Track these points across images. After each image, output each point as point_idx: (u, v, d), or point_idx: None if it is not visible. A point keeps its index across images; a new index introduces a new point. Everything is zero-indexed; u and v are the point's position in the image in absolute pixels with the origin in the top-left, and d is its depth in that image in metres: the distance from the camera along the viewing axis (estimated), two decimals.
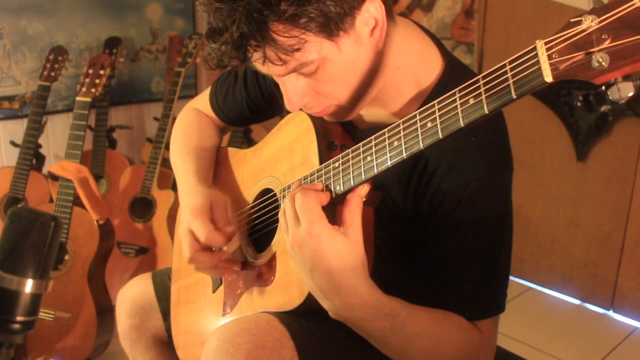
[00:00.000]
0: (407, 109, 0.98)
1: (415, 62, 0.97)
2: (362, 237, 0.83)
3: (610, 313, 2.58)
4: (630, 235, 2.47)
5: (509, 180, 0.98)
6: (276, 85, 1.20)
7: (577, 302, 2.66)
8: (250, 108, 1.29)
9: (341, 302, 0.84)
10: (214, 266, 1.09)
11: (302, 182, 0.98)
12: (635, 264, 2.47)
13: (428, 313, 0.92)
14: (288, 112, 1.20)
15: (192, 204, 1.11)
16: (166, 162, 2.58)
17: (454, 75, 0.98)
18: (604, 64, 0.62)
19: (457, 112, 0.74)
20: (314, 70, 0.88)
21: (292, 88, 0.91)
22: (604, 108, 2.42)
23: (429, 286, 0.95)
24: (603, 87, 0.67)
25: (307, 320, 0.96)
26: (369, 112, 1.04)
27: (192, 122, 1.33)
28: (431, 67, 0.98)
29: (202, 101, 1.37)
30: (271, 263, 1.04)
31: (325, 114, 0.97)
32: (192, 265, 1.27)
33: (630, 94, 0.63)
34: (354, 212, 0.84)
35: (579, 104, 2.48)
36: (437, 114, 0.77)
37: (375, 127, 1.03)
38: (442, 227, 0.94)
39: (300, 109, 1.04)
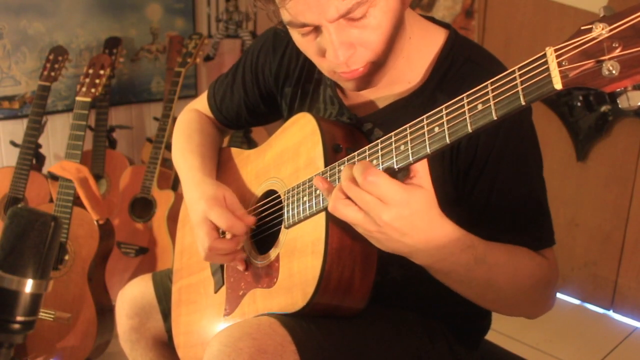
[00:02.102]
0: (415, 78, 1.02)
1: (421, 34, 1.02)
2: (430, 180, 0.82)
3: (610, 313, 2.58)
4: (630, 235, 2.47)
5: (531, 117, 1.01)
6: (276, 81, 1.21)
7: (577, 302, 2.66)
8: (248, 108, 1.29)
9: (432, 247, 0.84)
10: (232, 253, 1.09)
11: (307, 184, 0.98)
12: (635, 264, 2.48)
13: (501, 244, 0.94)
14: (290, 116, 1.21)
15: (205, 194, 1.11)
16: (166, 162, 2.58)
17: (458, 40, 1.02)
18: (614, 72, 0.62)
19: (465, 118, 0.74)
20: (363, 14, 0.89)
21: (338, 38, 0.90)
22: (604, 108, 2.42)
23: (486, 234, 0.94)
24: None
25: (309, 323, 0.96)
26: (376, 95, 1.05)
27: (193, 121, 1.34)
28: (435, 37, 1.03)
29: (201, 103, 1.38)
30: (274, 265, 1.04)
31: (360, 74, 0.96)
32: (193, 265, 1.28)
33: None
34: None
35: (579, 104, 2.48)
36: (445, 119, 0.76)
37: (378, 112, 1.05)
38: (485, 170, 0.97)
39: (308, 113, 1.05)
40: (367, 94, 1.07)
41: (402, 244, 0.82)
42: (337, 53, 0.90)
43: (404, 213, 0.79)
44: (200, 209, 1.10)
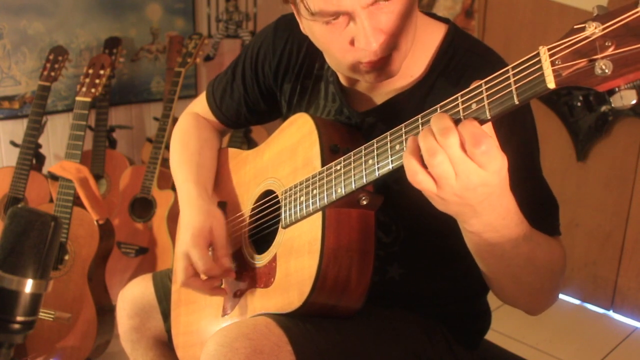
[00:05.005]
0: (417, 71, 1.02)
1: (422, 28, 1.02)
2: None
3: (610, 313, 2.58)
4: (630, 235, 2.47)
5: (530, 105, 0.99)
6: (275, 77, 1.21)
7: (577, 302, 2.66)
8: (248, 105, 1.29)
9: (495, 216, 0.79)
10: (209, 290, 1.12)
11: (305, 184, 0.98)
12: (635, 264, 2.47)
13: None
14: (289, 113, 1.20)
15: (192, 226, 1.12)
16: (166, 162, 2.58)
17: (458, 33, 1.03)
18: (607, 71, 0.62)
19: (460, 118, 0.74)
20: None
21: (371, 24, 0.90)
22: (604, 108, 2.42)
23: None
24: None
25: (305, 323, 0.96)
26: (378, 90, 1.05)
27: (190, 127, 1.33)
28: (436, 30, 1.04)
29: (200, 104, 1.37)
30: (271, 265, 1.04)
31: (383, 64, 0.95)
32: None
33: (634, 101, 0.63)
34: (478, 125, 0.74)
35: (579, 104, 2.48)
36: None
37: (380, 106, 1.04)
38: None
39: (305, 113, 1.06)
40: (369, 90, 1.07)
41: (471, 209, 0.77)
42: (370, 39, 0.89)
43: (494, 181, 0.74)
44: (185, 241, 1.11)
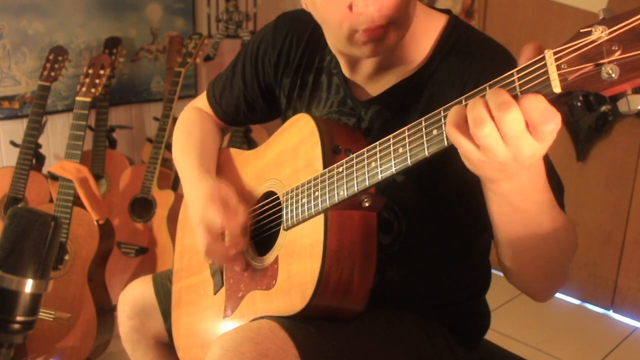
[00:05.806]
0: (419, 58, 1.02)
1: (424, 16, 1.03)
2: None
3: (610, 313, 2.58)
4: (630, 235, 2.47)
5: None
6: (275, 72, 1.21)
7: (577, 302, 2.66)
8: (247, 101, 1.29)
9: (527, 181, 0.77)
10: (230, 254, 1.09)
11: (306, 185, 0.98)
12: (635, 264, 2.48)
13: None
14: (288, 108, 1.20)
15: (202, 193, 1.12)
16: (166, 162, 2.58)
17: (459, 23, 1.03)
18: (613, 75, 0.61)
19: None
20: None
21: None
22: (604, 108, 2.42)
23: None
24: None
25: (309, 326, 0.96)
26: (380, 78, 1.05)
27: (193, 119, 1.34)
28: (437, 19, 1.04)
29: (201, 101, 1.38)
30: (273, 267, 1.03)
31: (380, 34, 0.94)
32: (193, 266, 1.28)
33: None
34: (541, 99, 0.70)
35: (579, 104, 2.48)
36: (443, 121, 0.76)
37: (384, 94, 1.05)
38: None
39: (307, 114, 1.05)
40: (371, 80, 1.07)
41: (508, 174, 0.75)
42: (368, 1, 0.90)
43: (542, 153, 0.72)
44: (198, 209, 1.11)
